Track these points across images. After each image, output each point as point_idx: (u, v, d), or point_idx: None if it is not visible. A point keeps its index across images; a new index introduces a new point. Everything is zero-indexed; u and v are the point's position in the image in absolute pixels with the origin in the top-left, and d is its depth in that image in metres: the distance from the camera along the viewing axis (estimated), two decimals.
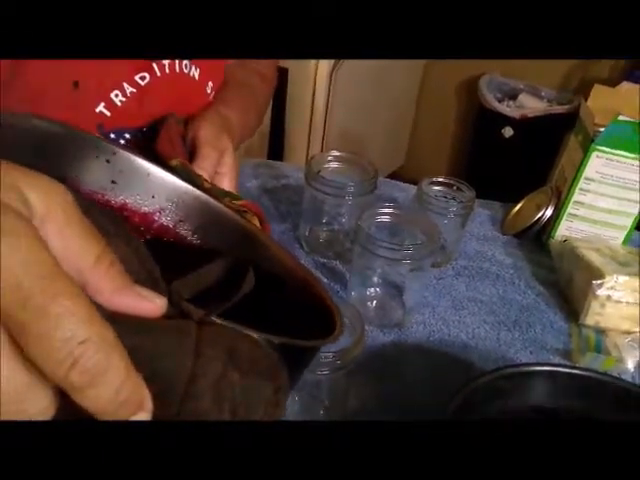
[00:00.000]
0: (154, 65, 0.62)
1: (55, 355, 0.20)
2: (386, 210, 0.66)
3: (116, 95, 0.60)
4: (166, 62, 0.63)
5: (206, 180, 0.53)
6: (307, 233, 0.77)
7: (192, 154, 0.59)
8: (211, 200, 0.46)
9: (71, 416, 0.23)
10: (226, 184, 0.61)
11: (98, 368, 0.21)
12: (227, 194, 0.53)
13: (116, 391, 0.22)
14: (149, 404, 0.24)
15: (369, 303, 0.68)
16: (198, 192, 0.45)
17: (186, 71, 0.65)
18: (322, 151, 1.78)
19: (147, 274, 0.28)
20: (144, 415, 0.23)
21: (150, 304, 0.25)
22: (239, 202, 0.51)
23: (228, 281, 0.36)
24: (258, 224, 0.52)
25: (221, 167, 0.61)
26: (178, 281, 0.32)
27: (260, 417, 0.27)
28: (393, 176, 1.08)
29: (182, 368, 0.25)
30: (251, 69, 0.83)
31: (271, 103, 1.02)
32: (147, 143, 0.59)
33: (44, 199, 0.23)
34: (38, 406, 0.22)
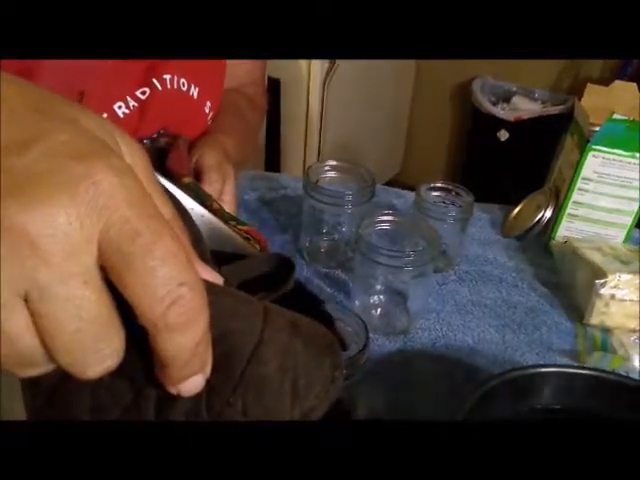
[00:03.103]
0: (154, 80, 0.62)
1: (156, 292, 0.21)
2: (385, 217, 0.66)
3: (119, 107, 0.60)
4: (166, 77, 0.63)
5: (215, 201, 0.54)
6: (308, 244, 0.77)
7: (197, 179, 0.60)
8: (216, 221, 0.47)
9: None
10: (227, 210, 0.61)
11: (193, 313, 0.22)
12: (233, 218, 0.53)
13: (197, 342, 0.22)
14: (209, 369, 0.24)
15: (373, 311, 0.68)
16: (205, 211, 0.46)
17: (184, 89, 0.66)
18: (318, 161, 1.78)
19: (201, 254, 0.28)
20: (201, 379, 0.24)
21: (212, 278, 0.26)
22: (244, 227, 0.52)
23: (270, 276, 0.36)
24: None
25: (224, 194, 0.62)
26: (226, 267, 0.32)
27: (317, 393, 0.27)
28: (391, 183, 1.08)
29: (252, 329, 0.26)
30: (243, 96, 0.83)
31: (265, 115, 1.02)
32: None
33: (131, 152, 0.24)
34: (112, 346, 0.22)
